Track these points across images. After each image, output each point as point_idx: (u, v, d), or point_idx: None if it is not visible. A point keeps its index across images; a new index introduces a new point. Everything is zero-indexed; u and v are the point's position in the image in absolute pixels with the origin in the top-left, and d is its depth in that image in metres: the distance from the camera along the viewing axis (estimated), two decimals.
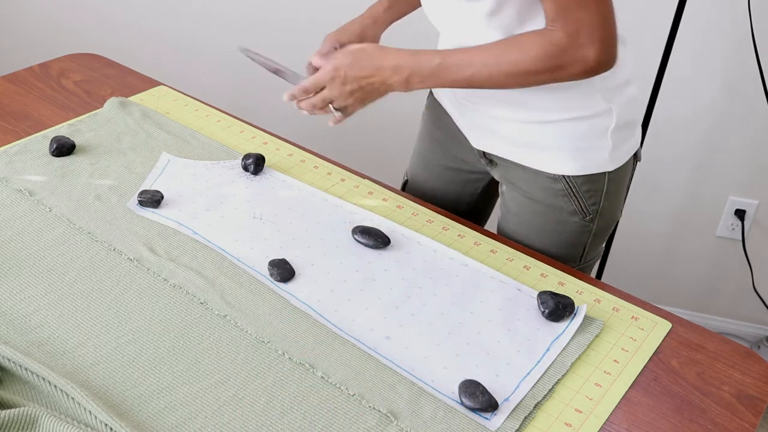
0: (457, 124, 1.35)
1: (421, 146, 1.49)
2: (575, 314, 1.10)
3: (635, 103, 1.26)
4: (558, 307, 1.09)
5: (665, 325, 1.11)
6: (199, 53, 2.39)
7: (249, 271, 1.14)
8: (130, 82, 1.62)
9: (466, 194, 1.45)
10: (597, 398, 0.99)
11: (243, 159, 1.35)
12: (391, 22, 1.38)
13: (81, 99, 1.55)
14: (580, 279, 1.18)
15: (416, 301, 1.11)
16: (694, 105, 2.09)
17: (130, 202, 1.26)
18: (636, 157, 1.31)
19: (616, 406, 0.99)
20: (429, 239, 1.22)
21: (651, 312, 1.13)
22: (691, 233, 2.27)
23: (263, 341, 1.03)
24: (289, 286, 1.12)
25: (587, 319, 1.10)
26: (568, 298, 1.11)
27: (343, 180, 1.36)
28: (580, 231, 1.29)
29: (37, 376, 0.94)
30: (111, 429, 0.88)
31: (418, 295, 1.12)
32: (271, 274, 1.13)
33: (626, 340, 1.08)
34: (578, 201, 1.25)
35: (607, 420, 0.97)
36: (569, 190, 1.25)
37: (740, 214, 2.19)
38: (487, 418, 0.95)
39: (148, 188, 1.29)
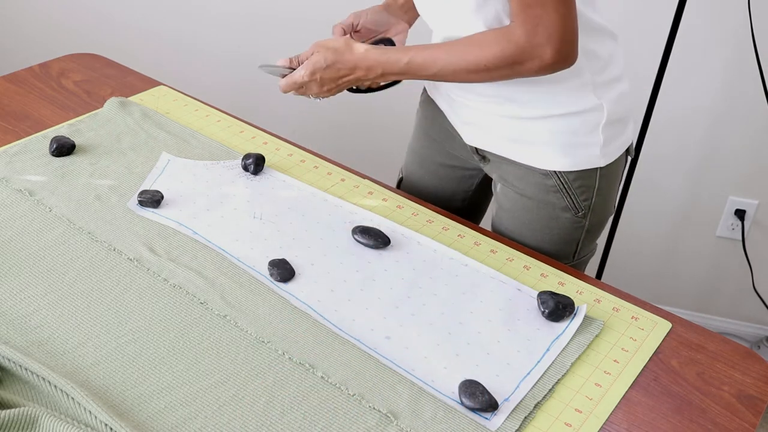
0: (450, 120, 1.36)
1: (415, 143, 1.50)
2: (575, 314, 1.10)
3: (626, 99, 1.27)
4: (558, 307, 1.09)
5: (665, 325, 1.11)
6: (199, 53, 2.39)
7: (249, 271, 1.14)
8: (130, 82, 1.62)
9: (460, 191, 1.46)
10: (597, 398, 0.99)
11: (243, 159, 1.35)
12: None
13: (81, 99, 1.55)
14: (580, 279, 1.18)
15: (416, 301, 1.11)
16: (694, 105, 2.09)
17: (130, 202, 1.26)
18: (628, 152, 1.32)
19: (616, 406, 0.99)
20: (429, 239, 1.22)
21: (651, 312, 1.13)
22: (691, 233, 2.27)
23: (263, 341, 1.03)
24: (289, 286, 1.12)
25: (587, 319, 1.10)
26: (568, 298, 1.11)
27: (343, 180, 1.36)
28: (572, 227, 1.30)
29: (37, 376, 0.94)
30: (111, 429, 0.88)
31: (418, 295, 1.12)
32: (271, 274, 1.13)
33: (626, 340, 1.08)
34: (570, 197, 1.26)
35: (607, 420, 0.97)
36: (561, 186, 1.25)
37: (740, 214, 2.19)
38: (487, 418, 0.95)
39: (148, 188, 1.29)
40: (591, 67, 1.19)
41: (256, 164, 1.34)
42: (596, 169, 1.25)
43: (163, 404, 0.94)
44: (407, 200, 1.32)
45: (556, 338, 1.07)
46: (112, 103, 1.50)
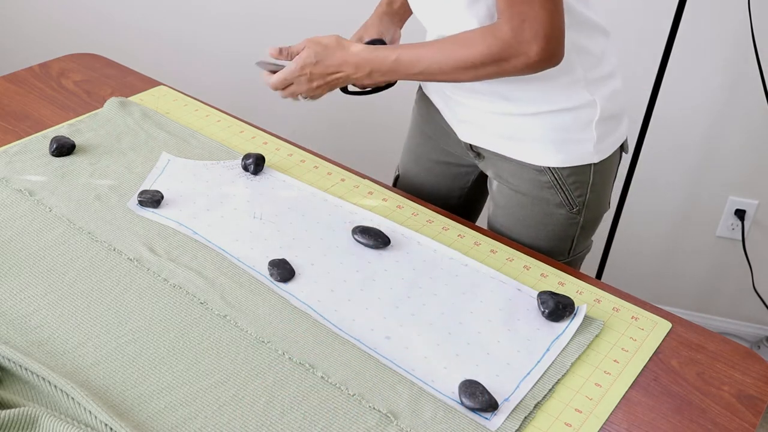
0: (445, 117, 1.37)
1: (411, 141, 1.50)
2: (575, 314, 1.10)
3: (619, 96, 1.27)
4: (558, 307, 1.09)
5: (665, 325, 1.11)
6: (199, 53, 2.39)
7: (249, 271, 1.14)
8: (130, 82, 1.62)
9: (456, 188, 1.47)
10: (597, 398, 0.99)
11: (243, 159, 1.35)
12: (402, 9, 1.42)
13: (81, 99, 1.55)
14: (580, 279, 1.18)
15: (416, 301, 1.11)
16: (693, 105, 2.09)
17: (130, 202, 1.26)
18: (623, 149, 1.32)
19: (616, 406, 0.99)
20: (429, 239, 1.22)
21: (651, 312, 1.13)
22: (691, 233, 2.27)
23: (263, 341, 1.03)
24: (289, 286, 1.12)
25: (587, 319, 1.10)
26: (568, 298, 1.11)
27: (343, 180, 1.36)
28: (567, 223, 1.30)
29: (37, 376, 0.94)
30: (111, 429, 0.88)
31: (418, 295, 1.12)
32: (271, 274, 1.13)
33: (626, 340, 1.08)
34: (564, 193, 1.26)
35: (607, 420, 0.97)
36: (555, 182, 1.26)
37: (740, 214, 2.19)
38: (487, 418, 0.95)
39: (148, 188, 1.29)
40: (583, 63, 1.20)
41: (256, 164, 1.34)
42: (590, 165, 1.26)
43: (163, 404, 0.94)
44: (407, 200, 1.32)
45: (556, 338, 1.07)
46: (112, 103, 1.50)
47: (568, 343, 1.06)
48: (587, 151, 1.25)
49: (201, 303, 1.08)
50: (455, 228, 1.27)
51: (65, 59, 1.69)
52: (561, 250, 1.32)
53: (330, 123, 2.36)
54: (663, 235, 2.30)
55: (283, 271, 1.13)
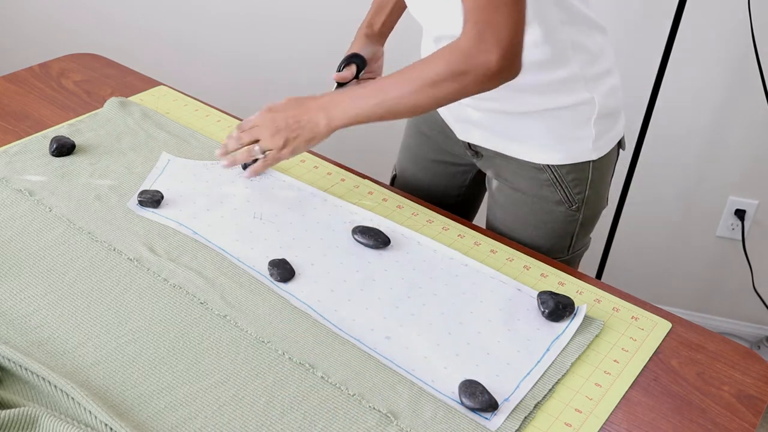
0: (442, 117, 1.37)
1: (408, 140, 1.50)
2: (575, 314, 1.10)
3: (617, 93, 1.27)
4: (558, 307, 1.09)
5: (665, 325, 1.11)
6: (199, 53, 2.39)
7: (249, 271, 1.14)
8: (130, 82, 1.62)
9: (454, 187, 1.47)
10: (597, 398, 0.99)
11: None
12: (397, 4, 1.42)
13: (81, 99, 1.55)
14: (580, 279, 1.18)
15: (416, 301, 1.11)
16: (694, 105, 2.09)
17: (130, 202, 1.26)
18: (620, 145, 1.33)
19: (616, 406, 0.99)
20: (429, 239, 1.22)
21: (651, 312, 1.13)
22: (691, 233, 2.27)
23: (263, 341, 1.03)
24: (289, 286, 1.12)
25: (587, 319, 1.10)
26: (568, 298, 1.11)
27: (343, 180, 1.36)
28: (566, 221, 1.30)
29: (37, 376, 0.94)
30: (111, 429, 0.88)
31: (418, 295, 1.12)
32: (271, 274, 1.13)
33: (626, 340, 1.08)
34: (564, 190, 1.27)
35: (607, 420, 0.97)
36: (554, 180, 1.26)
37: (740, 214, 2.19)
38: (487, 418, 0.95)
39: (148, 188, 1.29)
40: (580, 59, 1.20)
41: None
42: (589, 162, 1.26)
43: (163, 404, 0.94)
44: (407, 200, 1.32)
45: (556, 338, 1.07)
46: (112, 103, 1.50)
47: (568, 343, 1.06)
48: (586, 149, 1.25)
49: (201, 303, 1.08)
50: (455, 228, 1.27)
51: (65, 59, 1.69)
52: (560, 248, 1.33)
53: None
54: (663, 235, 2.30)
55: (283, 271, 1.13)
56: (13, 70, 1.64)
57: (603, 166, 1.29)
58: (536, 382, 1.00)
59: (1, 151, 1.35)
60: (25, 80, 1.60)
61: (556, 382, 1.01)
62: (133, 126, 1.45)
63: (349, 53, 1.40)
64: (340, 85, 1.37)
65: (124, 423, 0.89)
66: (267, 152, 1.24)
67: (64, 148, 1.35)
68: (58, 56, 1.70)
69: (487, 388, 0.97)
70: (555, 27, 1.16)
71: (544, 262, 1.21)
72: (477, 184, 1.47)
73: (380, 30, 1.42)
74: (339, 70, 1.37)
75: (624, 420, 0.97)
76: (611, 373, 1.03)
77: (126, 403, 0.93)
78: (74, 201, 1.25)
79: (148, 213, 1.24)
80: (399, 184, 1.52)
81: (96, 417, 0.90)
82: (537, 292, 1.12)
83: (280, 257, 1.16)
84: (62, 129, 1.43)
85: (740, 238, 2.21)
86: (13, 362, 0.95)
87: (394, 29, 1.46)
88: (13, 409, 0.87)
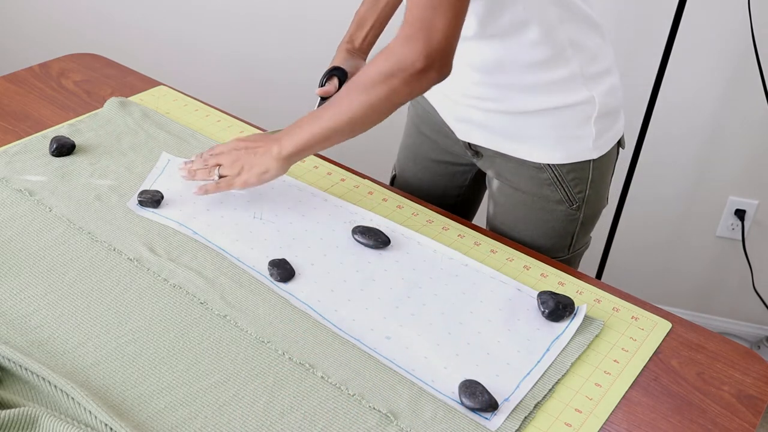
0: (442, 116, 1.37)
1: (408, 140, 1.50)
2: (575, 314, 1.10)
3: (617, 91, 1.27)
4: (558, 307, 1.09)
5: (665, 325, 1.11)
6: (199, 53, 2.39)
7: (249, 271, 1.14)
8: (130, 82, 1.62)
9: (454, 186, 1.47)
10: (597, 398, 0.99)
11: None
12: (378, 20, 1.40)
13: (81, 99, 1.55)
14: (580, 279, 1.18)
15: (416, 301, 1.11)
16: (694, 105, 2.09)
17: (130, 202, 1.26)
18: (620, 144, 1.33)
19: (616, 406, 0.99)
20: (429, 239, 1.22)
21: (651, 312, 1.13)
22: (691, 233, 2.27)
23: (263, 341, 1.03)
24: (289, 286, 1.12)
25: (587, 319, 1.10)
26: (568, 298, 1.11)
27: (343, 180, 1.36)
28: (567, 220, 1.30)
29: (37, 376, 0.94)
30: (111, 429, 0.88)
31: (418, 295, 1.12)
32: (271, 274, 1.13)
33: (626, 340, 1.08)
34: (564, 189, 1.27)
35: (607, 420, 0.97)
36: (555, 179, 1.26)
37: (740, 214, 2.19)
38: (487, 418, 0.95)
39: (148, 188, 1.29)
40: (579, 58, 1.20)
41: None
42: (589, 161, 1.26)
43: (163, 404, 0.94)
44: (407, 200, 1.32)
45: (556, 338, 1.07)
46: (112, 103, 1.50)
47: (568, 343, 1.06)
48: (586, 148, 1.25)
49: (201, 303, 1.08)
50: (455, 228, 1.27)
51: (65, 59, 1.69)
52: (561, 247, 1.33)
53: None
54: (663, 235, 2.30)
55: (283, 271, 1.13)
56: (13, 70, 1.64)
57: (603, 165, 1.29)
58: (536, 382, 1.00)
59: (1, 151, 1.36)
60: (25, 80, 1.60)
61: (556, 382, 1.01)
62: (133, 126, 1.45)
63: (331, 66, 1.38)
64: (324, 99, 1.35)
65: (124, 423, 0.89)
66: (222, 177, 1.24)
67: (64, 148, 1.35)
68: (58, 56, 1.70)
69: (487, 388, 0.97)
70: (554, 26, 1.16)
71: (544, 262, 1.21)
72: (477, 184, 1.47)
73: (361, 46, 1.40)
74: (321, 85, 1.34)
75: (624, 420, 0.97)
76: (611, 373, 1.03)
77: (126, 403, 0.93)
78: (74, 201, 1.25)
79: (148, 213, 1.24)
80: (399, 184, 1.52)
81: (96, 417, 0.90)
82: (537, 292, 1.12)
83: (280, 257, 1.16)
84: (62, 129, 1.43)
85: (740, 238, 2.21)
86: (13, 362, 0.95)
87: (376, 44, 1.44)
88: (13, 409, 0.87)
